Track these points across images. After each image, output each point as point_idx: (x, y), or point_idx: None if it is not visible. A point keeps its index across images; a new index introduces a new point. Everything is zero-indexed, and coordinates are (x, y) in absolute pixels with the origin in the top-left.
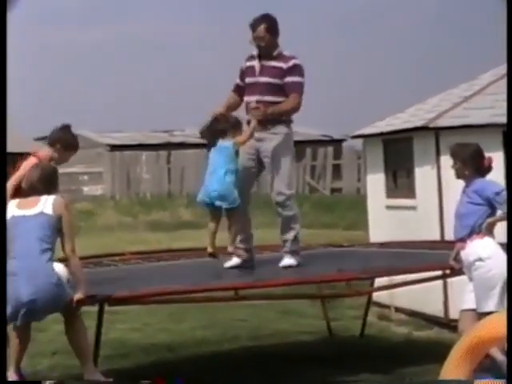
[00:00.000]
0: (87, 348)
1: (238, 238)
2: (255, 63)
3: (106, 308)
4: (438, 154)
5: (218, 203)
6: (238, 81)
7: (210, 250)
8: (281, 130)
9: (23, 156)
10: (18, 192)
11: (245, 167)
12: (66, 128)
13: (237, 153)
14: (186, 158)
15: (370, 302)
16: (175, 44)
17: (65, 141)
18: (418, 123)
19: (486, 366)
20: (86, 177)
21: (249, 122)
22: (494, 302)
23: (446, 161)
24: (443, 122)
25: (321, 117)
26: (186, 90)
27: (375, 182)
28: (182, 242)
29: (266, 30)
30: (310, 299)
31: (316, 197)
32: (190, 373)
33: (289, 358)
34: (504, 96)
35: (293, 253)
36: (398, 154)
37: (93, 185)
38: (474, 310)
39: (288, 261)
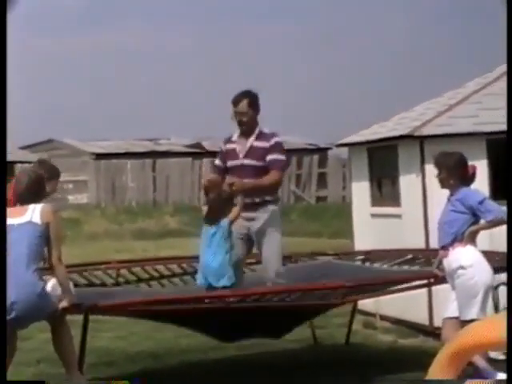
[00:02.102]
0: (73, 356)
1: None
2: (236, 145)
3: (92, 316)
4: (422, 162)
5: (214, 283)
6: (217, 162)
7: None
8: (270, 208)
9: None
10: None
11: (236, 246)
12: (42, 161)
13: (230, 231)
14: (171, 167)
15: (355, 310)
16: (162, 53)
17: (48, 170)
18: (403, 131)
19: (468, 374)
20: (71, 185)
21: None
22: (476, 309)
23: (431, 169)
24: (428, 130)
25: (306, 125)
26: (171, 98)
27: (360, 191)
28: (168, 250)
29: (249, 104)
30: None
31: (301, 205)
32: (174, 381)
33: (274, 367)
34: (487, 105)
35: None
36: (383, 162)
37: (78, 193)
38: (456, 318)
39: None
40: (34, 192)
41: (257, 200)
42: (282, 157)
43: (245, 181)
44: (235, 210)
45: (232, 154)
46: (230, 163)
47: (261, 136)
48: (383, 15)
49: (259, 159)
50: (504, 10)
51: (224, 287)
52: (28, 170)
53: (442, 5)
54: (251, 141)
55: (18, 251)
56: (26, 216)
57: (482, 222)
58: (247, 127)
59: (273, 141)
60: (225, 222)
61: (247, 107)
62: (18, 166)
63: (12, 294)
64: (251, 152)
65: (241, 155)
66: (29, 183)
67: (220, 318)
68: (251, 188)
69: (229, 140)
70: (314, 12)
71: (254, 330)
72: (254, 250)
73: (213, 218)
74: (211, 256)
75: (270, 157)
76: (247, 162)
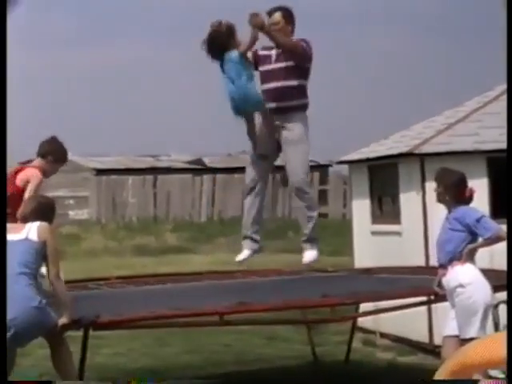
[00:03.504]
0: (72, 373)
1: (252, 228)
2: (272, 52)
3: (91, 333)
4: (423, 180)
5: (243, 106)
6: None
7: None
8: (298, 117)
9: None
10: (13, 207)
11: (263, 152)
12: (55, 139)
13: (246, 60)
14: (172, 183)
15: (354, 328)
16: (163, 70)
17: (56, 152)
18: (403, 149)
19: None
20: (71, 201)
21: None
22: (475, 327)
23: (431, 187)
24: (428, 148)
25: None
26: (172, 115)
27: (360, 208)
28: (168, 267)
29: (282, 16)
30: (295, 324)
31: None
32: None
33: (273, 383)
34: (488, 123)
35: (312, 240)
36: (384, 179)
37: (78, 209)
38: (456, 336)
39: (310, 254)
40: (40, 217)
41: (286, 104)
42: (306, 43)
43: (281, 85)
44: (246, 43)
45: (266, 59)
46: (262, 68)
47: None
48: (380, 31)
49: (288, 60)
50: (504, 12)
51: (254, 112)
52: (39, 196)
53: (439, 21)
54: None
55: (13, 267)
56: (23, 233)
57: (481, 240)
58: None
59: (302, 41)
60: (235, 53)
61: (280, 17)
62: None
63: (10, 311)
64: (281, 56)
65: (273, 60)
66: (36, 208)
67: None
68: (269, 32)
69: (265, 47)
70: (311, 26)
71: None
72: None
73: (216, 49)
74: (235, 86)
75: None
76: (278, 65)
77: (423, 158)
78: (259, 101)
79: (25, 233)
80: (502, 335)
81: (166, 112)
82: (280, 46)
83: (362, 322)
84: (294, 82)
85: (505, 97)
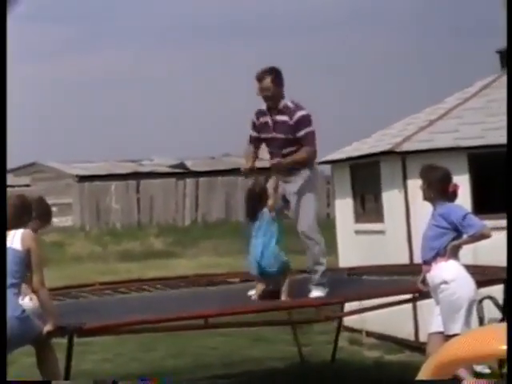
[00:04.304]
0: (58, 379)
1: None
2: (268, 118)
3: (78, 339)
4: (404, 177)
5: (268, 269)
6: (253, 133)
7: None
8: (304, 172)
9: None
10: None
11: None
12: (40, 200)
13: (273, 216)
14: (155, 187)
15: (340, 327)
16: (145, 76)
17: (38, 210)
18: (385, 148)
19: None
20: (54, 208)
21: (271, 154)
22: (459, 324)
23: (413, 184)
24: (409, 146)
25: None
26: (154, 119)
27: (344, 207)
28: (153, 272)
29: (272, 81)
30: (281, 325)
31: (285, 222)
32: None
33: None
34: (468, 119)
35: (320, 285)
36: (366, 178)
37: (62, 216)
38: (441, 332)
39: (316, 293)
40: (17, 218)
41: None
42: (309, 129)
43: (283, 152)
44: (271, 199)
45: (265, 127)
46: (263, 136)
47: (284, 110)
48: (362, 36)
49: (286, 133)
50: (504, 12)
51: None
52: (13, 197)
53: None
54: (275, 115)
55: None
56: (7, 242)
57: (465, 236)
58: (272, 102)
59: (296, 116)
60: (265, 210)
61: (270, 83)
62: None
63: None
64: (277, 126)
65: (271, 129)
66: (12, 211)
67: None
68: (288, 164)
69: (260, 112)
70: (295, 33)
71: None
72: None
73: (253, 214)
74: (261, 246)
75: (299, 133)
76: (278, 135)
77: (404, 155)
78: (284, 262)
79: (9, 241)
80: (486, 331)
81: (147, 116)
82: (302, 163)
83: (348, 320)
84: (295, 148)
85: (484, 92)
